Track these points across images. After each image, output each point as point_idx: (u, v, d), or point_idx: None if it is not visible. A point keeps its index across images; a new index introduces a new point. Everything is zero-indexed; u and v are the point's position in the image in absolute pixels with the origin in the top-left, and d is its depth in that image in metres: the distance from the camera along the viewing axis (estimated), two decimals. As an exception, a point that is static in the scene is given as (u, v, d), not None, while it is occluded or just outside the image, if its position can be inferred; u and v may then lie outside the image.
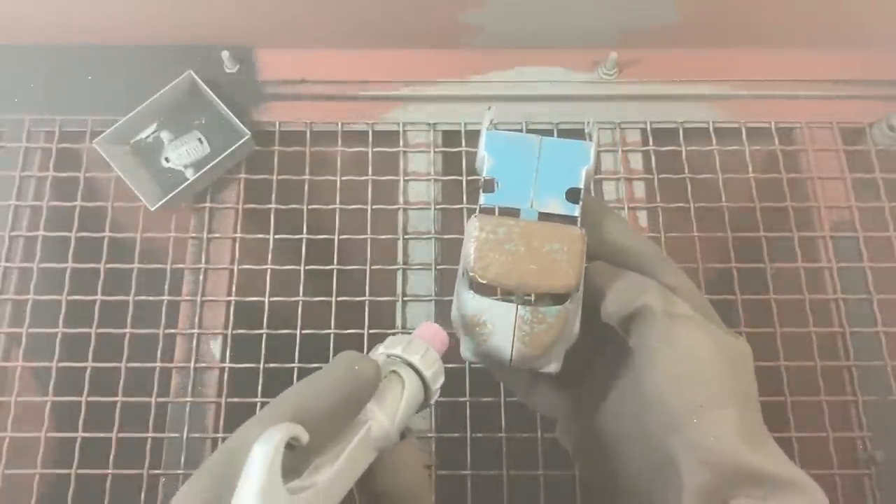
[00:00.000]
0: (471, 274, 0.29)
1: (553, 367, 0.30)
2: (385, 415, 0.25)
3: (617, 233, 0.31)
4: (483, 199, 0.31)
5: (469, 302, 0.30)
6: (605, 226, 0.31)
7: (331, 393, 0.24)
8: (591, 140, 0.31)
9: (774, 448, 0.28)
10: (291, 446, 0.22)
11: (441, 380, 0.28)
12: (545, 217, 0.30)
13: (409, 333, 0.29)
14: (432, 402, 0.28)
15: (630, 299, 0.29)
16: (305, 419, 0.23)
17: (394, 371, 0.27)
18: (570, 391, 0.34)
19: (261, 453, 0.21)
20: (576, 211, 0.30)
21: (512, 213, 0.31)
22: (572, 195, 0.30)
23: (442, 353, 0.28)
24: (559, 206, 0.30)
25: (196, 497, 0.22)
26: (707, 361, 0.28)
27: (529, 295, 0.30)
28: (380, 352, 0.28)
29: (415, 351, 0.27)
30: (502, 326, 0.30)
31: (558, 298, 0.30)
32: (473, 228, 0.29)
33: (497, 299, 0.30)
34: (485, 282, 0.29)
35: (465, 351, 0.31)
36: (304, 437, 0.22)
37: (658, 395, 0.28)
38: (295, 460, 0.23)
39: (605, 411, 0.32)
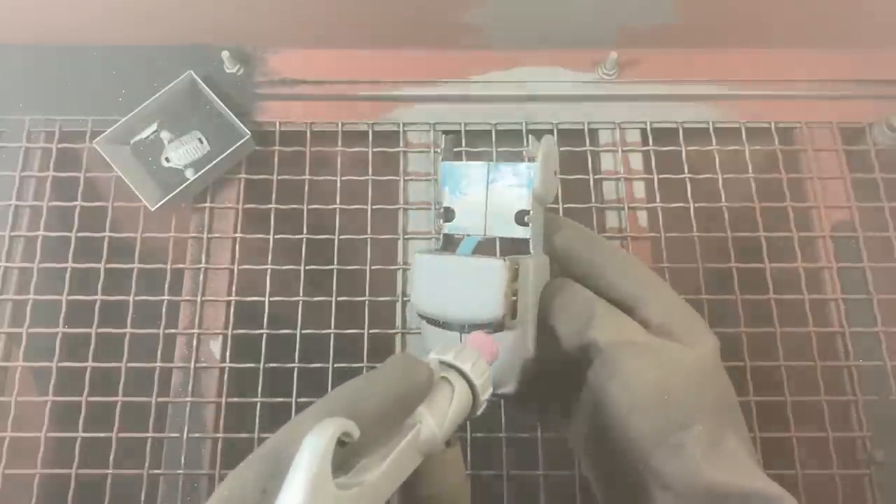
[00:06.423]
0: (415, 306, 0.32)
1: (509, 388, 0.31)
2: (434, 419, 0.25)
3: (564, 246, 0.32)
4: (445, 227, 0.33)
5: (424, 329, 0.33)
6: (555, 241, 0.32)
7: (383, 393, 0.24)
8: (535, 160, 0.32)
9: (745, 459, 0.28)
10: (342, 442, 0.22)
11: (489, 391, 0.28)
12: (491, 241, 0.32)
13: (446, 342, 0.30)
14: (479, 412, 0.28)
15: (576, 329, 0.30)
16: (356, 417, 0.22)
17: (444, 377, 0.27)
18: (568, 410, 0.34)
19: (313, 444, 0.21)
20: (527, 233, 0.31)
21: (458, 243, 0.33)
22: (520, 217, 0.31)
23: (491, 363, 0.29)
24: (510, 230, 0.32)
25: (245, 486, 0.22)
26: (659, 389, 0.28)
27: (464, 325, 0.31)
28: (431, 356, 0.28)
29: (466, 359, 0.27)
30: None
31: (495, 326, 0.31)
32: (414, 266, 0.32)
33: (443, 327, 0.32)
34: (423, 313, 0.32)
35: None
36: (356, 432, 0.22)
37: (619, 427, 0.28)
38: (343, 457, 0.22)
39: (591, 427, 0.32)
